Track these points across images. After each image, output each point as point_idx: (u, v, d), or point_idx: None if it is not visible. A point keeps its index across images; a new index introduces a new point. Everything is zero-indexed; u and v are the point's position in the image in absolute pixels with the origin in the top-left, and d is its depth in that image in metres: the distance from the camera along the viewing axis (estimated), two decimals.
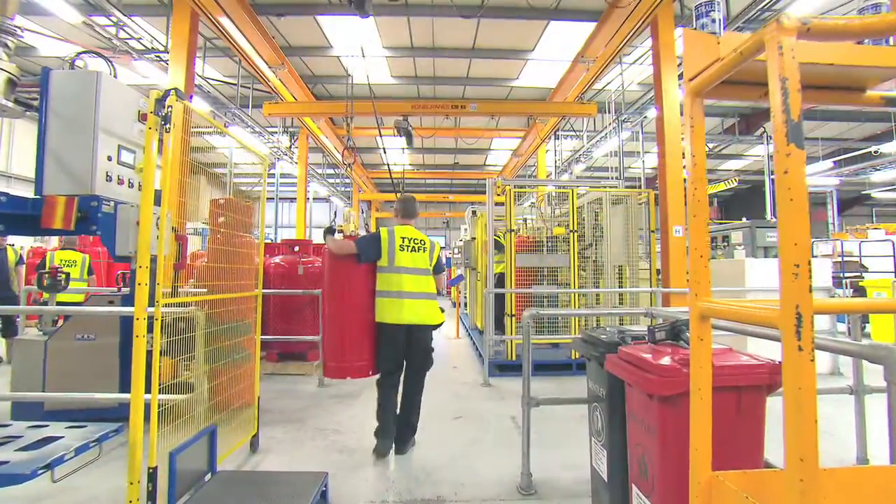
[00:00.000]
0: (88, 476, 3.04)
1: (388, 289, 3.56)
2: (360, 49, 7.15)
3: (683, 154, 7.04)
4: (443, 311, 3.83)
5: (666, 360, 1.90)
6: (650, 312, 3.10)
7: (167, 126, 2.39)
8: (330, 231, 3.72)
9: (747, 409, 1.81)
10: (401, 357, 3.61)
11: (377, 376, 3.64)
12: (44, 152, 2.37)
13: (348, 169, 9.91)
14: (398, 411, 3.61)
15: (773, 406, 1.87)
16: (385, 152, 10.82)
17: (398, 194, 7.50)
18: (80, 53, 2.61)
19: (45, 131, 2.37)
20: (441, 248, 4.06)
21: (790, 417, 0.92)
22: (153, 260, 2.32)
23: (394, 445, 3.57)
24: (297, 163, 14.38)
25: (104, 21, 6.83)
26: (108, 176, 2.49)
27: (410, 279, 3.58)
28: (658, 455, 1.86)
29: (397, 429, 3.57)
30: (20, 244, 11.51)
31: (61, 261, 6.33)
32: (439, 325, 3.73)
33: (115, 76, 2.72)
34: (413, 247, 3.64)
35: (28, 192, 2.39)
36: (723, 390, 1.76)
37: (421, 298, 3.59)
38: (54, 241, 10.48)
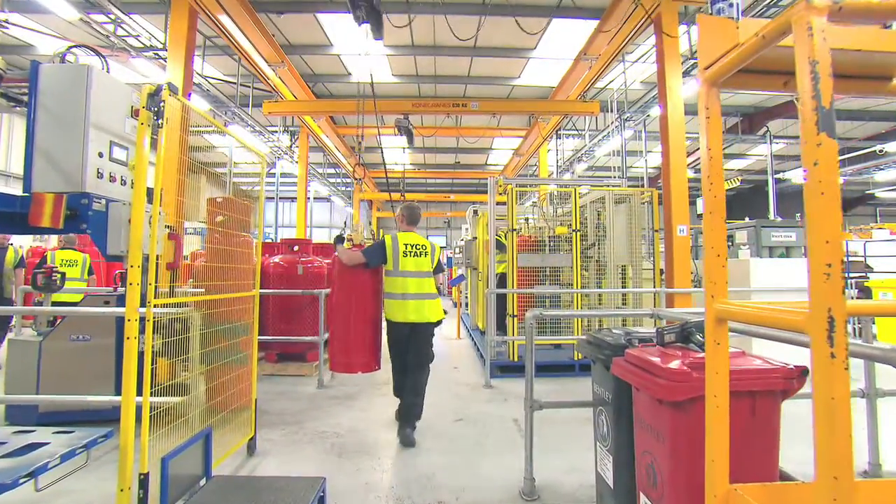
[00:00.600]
0: (82, 481, 2.98)
1: (393, 291, 3.92)
2: (365, 49, 7.04)
3: (688, 153, 6.96)
4: (446, 312, 4.15)
5: (676, 364, 1.82)
6: (656, 314, 3.02)
7: (160, 121, 2.32)
8: (340, 240, 4.06)
9: (762, 416, 1.73)
10: (406, 352, 3.95)
11: (378, 373, 3.87)
12: (32, 148, 2.30)
13: (359, 184, 9.85)
14: (402, 401, 3.95)
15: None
16: (383, 152, 10.76)
17: (399, 194, 7.45)
18: (70, 47, 2.54)
19: (34, 127, 2.31)
20: (441, 248, 4.39)
21: (822, 431, 0.84)
22: (145, 259, 2.26)
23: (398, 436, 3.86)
24: (297, 162, 14.31)
25: (101, 18, 6.77)
26: (99, 173, 2.42)
27: (414, 282, 3.92)
28: (668, 463, 1.78)
29: (401, 417, 3.91)
30: (19, 244, 11.47)
31: (62, 261, 6.28)
32: (440, 322, 4.03)
33: (107, 71, 2.65)
34: (416, 252, 3.97)
35: None
36: (736, 396, 1.68)
37: (424, 299, 3.94)
38: (54, 240, 10.43)
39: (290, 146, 14.09)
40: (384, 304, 4.00)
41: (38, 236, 11.80)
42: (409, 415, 3.84)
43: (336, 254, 3.98)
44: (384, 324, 4.05)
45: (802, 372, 1.78)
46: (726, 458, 1.19)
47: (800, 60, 0.90)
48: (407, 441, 3.73)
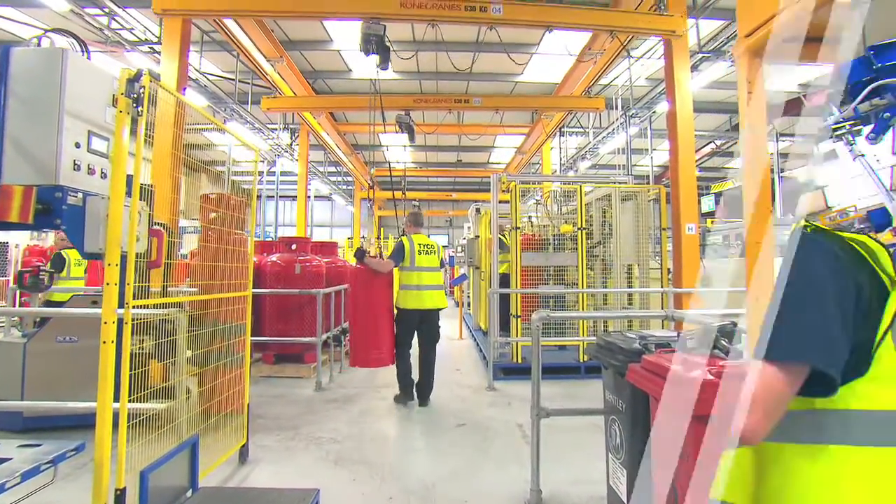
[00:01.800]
0: (63, 491, 2.83)
1: (409, 283, 4.67)
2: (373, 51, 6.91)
3: (693, 146, 6.77)
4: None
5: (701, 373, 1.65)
6: (671, 315, 2.84)
7: (139, 109, 2.16)
8: (362, 253, 4.60)
9: None
10: (414, 333, 4.73)
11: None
12: (2, 138, 2.14)
13: (371, 205, 9.71)
14: (419, 376, 4.73)
15: None
16: (385, 149, 10.59)
17: (401, 192, 7.38)
18: (46, 31, 2.38)
19: (4, 115, 2.14)
20: (443, 247, 5.27)
21: None
22: (124, 257, 2.10)
23: (417, 401, 4.71)
24: (297, 160, 14.14)
25: (95, 11, 6.61)
26: (76, 165, 2.25)
27: (427, 276, 4.71)
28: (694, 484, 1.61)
29: (419, 388, 4.71)
30: (15, 242, 11.31)
31: (76, 261, 6.19)
32: (443, 308, 4.86)
33: (87, 57, 2.48)
34: (427, 251, 4.76)
35: None
36: None
37: (434, 290, 4.75)
38: (52, 238, 10.29)
39: (290, 144, 13.93)
40: (399, 294, 4.66)
41: (36, 235, 11.63)
42: (424, 393, 4.71)
43: (364, 265, 4.54)
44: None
45: None
46: None
47: None
48: (426, 404, 4.71)
